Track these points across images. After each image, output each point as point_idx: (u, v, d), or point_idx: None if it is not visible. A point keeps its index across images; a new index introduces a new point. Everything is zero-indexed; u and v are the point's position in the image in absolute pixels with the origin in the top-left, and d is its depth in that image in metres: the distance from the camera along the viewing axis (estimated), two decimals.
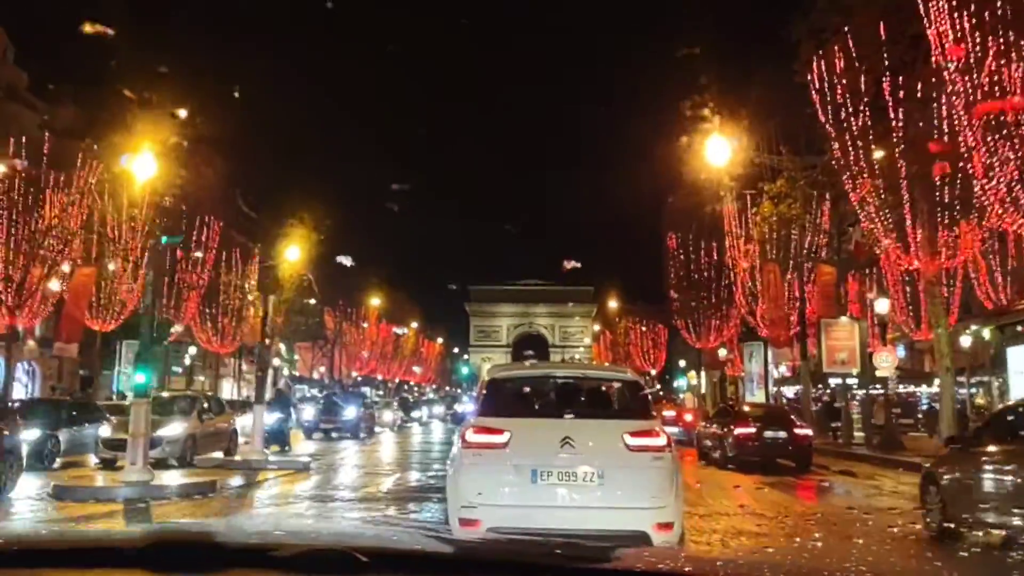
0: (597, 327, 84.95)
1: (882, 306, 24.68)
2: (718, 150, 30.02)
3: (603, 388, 8.11)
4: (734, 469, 17.71)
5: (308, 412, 34.23)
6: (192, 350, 43.60)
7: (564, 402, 7.37)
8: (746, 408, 21.25)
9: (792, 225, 30.14)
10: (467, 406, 57.86)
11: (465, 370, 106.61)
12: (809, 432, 18.56)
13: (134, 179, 31.12)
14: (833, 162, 22.93)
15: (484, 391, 7.42)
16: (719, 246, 39.45)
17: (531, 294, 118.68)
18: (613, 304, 68.70)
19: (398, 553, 1.87)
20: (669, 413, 26.45)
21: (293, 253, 48.57)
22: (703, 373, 52.45)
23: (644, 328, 65.76)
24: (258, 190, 52.40)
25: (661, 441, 6.76)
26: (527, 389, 7.86)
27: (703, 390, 53.78)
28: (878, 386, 25.94)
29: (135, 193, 31.84)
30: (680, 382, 64.81)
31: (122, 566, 1.77)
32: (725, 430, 18.61)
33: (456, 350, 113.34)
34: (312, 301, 63.04)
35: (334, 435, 31.52)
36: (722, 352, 43.18)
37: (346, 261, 47.81)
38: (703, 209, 37.85)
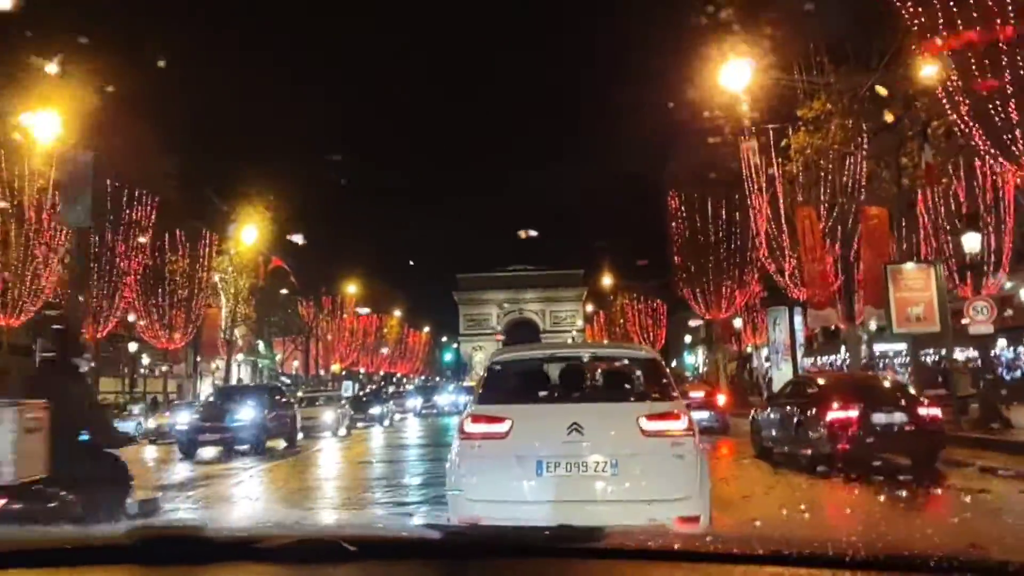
0: (591, 307, 78.55)
1: (972, 242, 18.39)
2: (736, 72, 23.85)
3: (616, 368, 7.21)
4: (826, 473, 11.28)
5: (183, 417, 24.29)
6: (133, 346, 36.88)
7: (572, 385, 6.52)
8: (835, 380, 14.61)
9: (831, 158, 23.74)
10: (451, 397, 52.00)
11: (448, 356, 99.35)
12: (938, 412, 12.03)
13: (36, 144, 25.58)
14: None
15: (484, 376, 6.75)
16: (732, 199, 33.22)
17: (520, 280, 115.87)
18: (607, 281, 62.32)
19: (385, 540, 1.87)
20: (696, 394, 20.04)
21: (249, 234, 42.84)
22: (706, 349, 46.19)
23: (641, 305, 59.53)
24: (214, 173, 45.57)
25: (682, 424, 5.86)
26: (531, 372, 6.77)
27: (706, 367, 47.53)
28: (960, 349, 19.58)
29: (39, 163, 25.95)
30: (689, 359, 58.34)
31: (110, 563, 1.76)
32: (807, 415, 12.17)
33: (445, 339, 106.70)
34: (284, 291, 57.46)
35: (222, 450, 21.03)
36: (737, 322, 36.76)
37: (298, 239, 41.12)
38: (712, 158, 31.55)
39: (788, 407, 13.00)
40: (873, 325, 27.10)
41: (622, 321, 63.85)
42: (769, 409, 14.22)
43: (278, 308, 56.21)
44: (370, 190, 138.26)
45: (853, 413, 11.55)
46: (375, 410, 37.22)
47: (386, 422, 36.49)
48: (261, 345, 61.53)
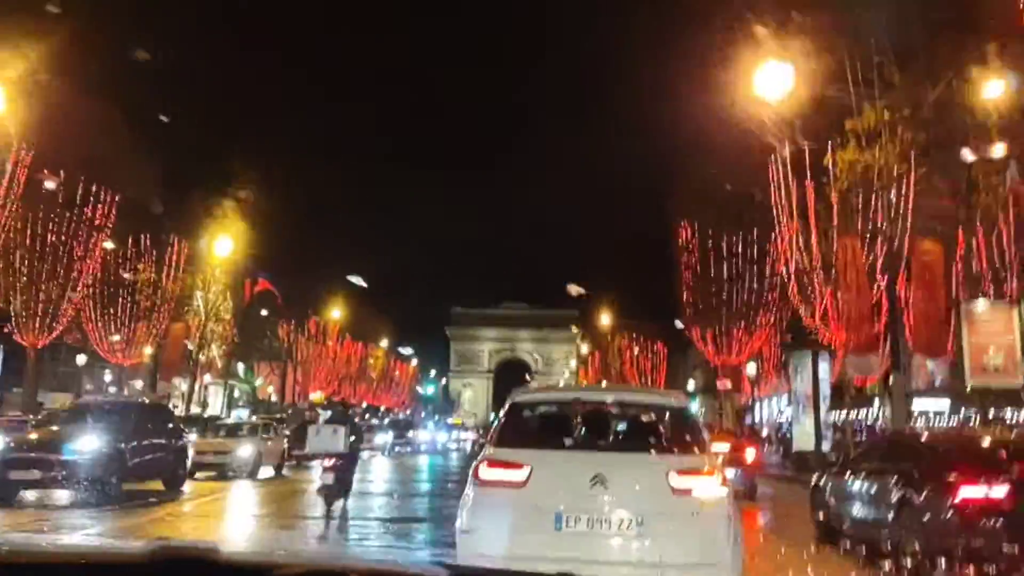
0: (586, 348, 74.38)
1: None
2: (773, 78, 20.29)
3: (644, 416, 6.46)
4: None
5: None
6: (81, 359, 32.67)
7: (597, 432, 6.08)
8: (951, 441, 10.27)
9: (885, 179, 20.00)
10: (430, 434, 47.82)
11: (431, 389, 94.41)
12: None
13: None
14: None
15: (503, 416, 6.22)
16: (750, 229, 29.52)
17: (514, 319, 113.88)
18: (605, 321, 58.39)
19: (392, 575, 1.91)
20: (720, 447, 15.93)
21: (223, 246, 38.86)
22: (708, 396, 42.07)
23: (638, 349, 55.54)
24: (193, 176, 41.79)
25: (715, 482, 5.39)
26: (554, 415, 6.42)
27: (704, 418, 43.19)
28: None
29: None
30: (692, 406, 53.96)
31: None
32: (922, 490, 8.09)
33: (433, 373, 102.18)
34: (264, 312, 53.56)
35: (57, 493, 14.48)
36: (750, 369, 32.66)
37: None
38: (729, 183, 27.92)
39: (885, 476, 8.89)
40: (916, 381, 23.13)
41: (618, 364, 59.89)
42: (848, 476, 10.08)
43: (263, 332, 52.36)
44: (362, 209, 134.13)
45: (999, 492, 7.51)
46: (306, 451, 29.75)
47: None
48: (241, 368, 57.29)
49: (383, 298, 72.98)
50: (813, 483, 11.27)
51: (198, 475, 19.58)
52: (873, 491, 9.16)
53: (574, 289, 44.36)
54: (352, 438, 13.74)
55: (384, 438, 41.27)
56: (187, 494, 16.20)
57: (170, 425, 17.67)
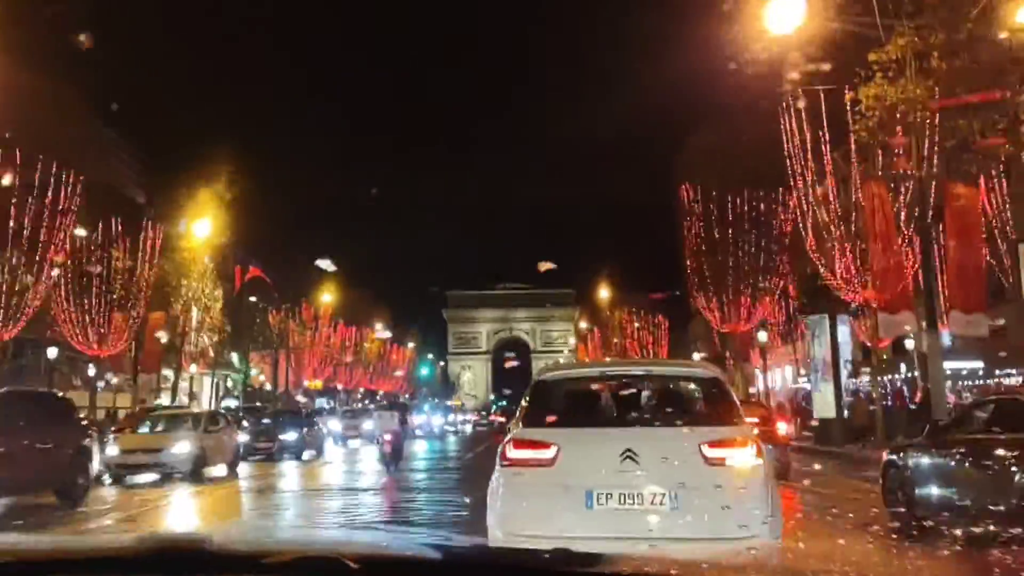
0: (584, 324, 72.35)
1: None
2: (783, 12, 18.03)
3: (675, 388, 6.32)
4: None
5: None
6: (53, 352, 30.44)
7: (626, 406, 5.90)
8: None
9: (917, 114, 17.76)
10: (425, 417, 45.59)
11: (424, 371, 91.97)
12: None
13: None
14: None
15: (528, 395, 5.99)
16: (761, 183, 27.41)
17: (510, 299, 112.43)
18: (604, 295, 56.25)
19: (386, 558, 1.84)
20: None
21: (202, 228, 36.59)
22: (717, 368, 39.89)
23: (638, 324, 53.46)
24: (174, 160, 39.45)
25: (750, 452, 5.15)
26: (580, 392, 6.19)
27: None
28: None
29: None
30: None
31: (117, 572, 1.75)
32: None
33: (431, 357, 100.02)
34: (252, 298, 51.47)
35: None
36: (761, 335, 30.48)
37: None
38: (737, 134, 25.81)
39: (999, 450, 6.75)
40: (946, 338, 21.03)
41: (616, 340, 57.93)
42: (939, 450, 7.88)
43: (254, 320, 50.31)
44: (360, 199, 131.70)
45: None
46: (288, 436, 24.55)
47: (309, 454, 25.52)
48: (236, 358, 55.14)
49: (378, 282, 71.21)
50: (887, 458, 9.04)
51: (134, 479, 16.63)
52: (983, 468, 7.01)
53: (544, 265, 43.12)
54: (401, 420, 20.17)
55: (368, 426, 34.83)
56: (85, 509, 12.40)
57: (66, 420, 13.70)
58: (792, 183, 21.44)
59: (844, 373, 24.45)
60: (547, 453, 5.21)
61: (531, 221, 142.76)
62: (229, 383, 56.27)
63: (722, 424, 5.46)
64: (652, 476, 5.05)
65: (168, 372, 38.41)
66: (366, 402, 61.32)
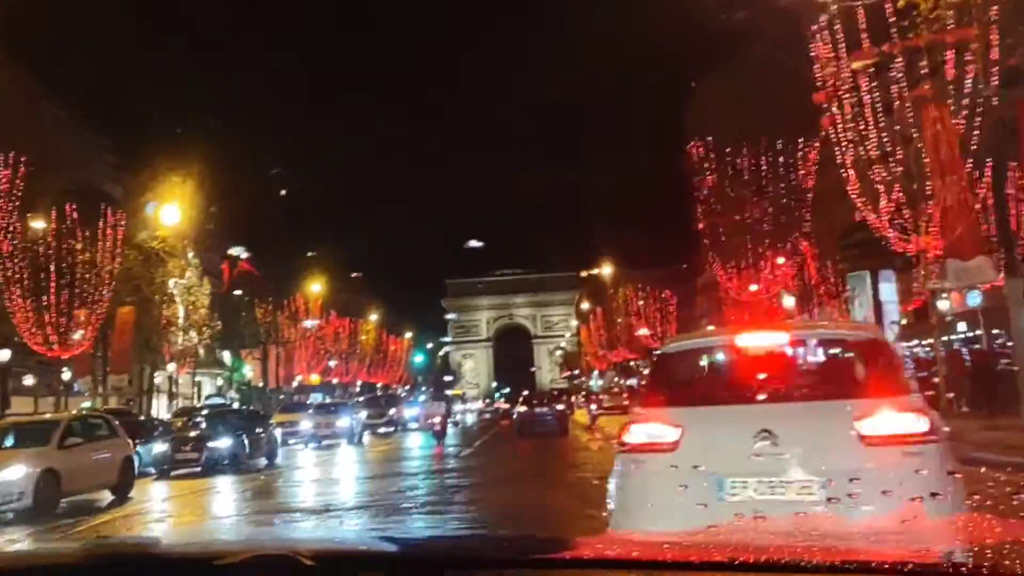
0: (586, 305, 69.22)
1: None
2: None
3: (823, 355, 5.40)
4: None
5: None
6: (5, 353, 27.20)
7: (763, 379, 4.94)
8: None
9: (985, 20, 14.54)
10: (418, 409, 41.74)
11: (420, 358, 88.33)
12: None
13: None
14: None
15: (649, 371, 5.81)
16: (780, 131, 24.20)
17: (510, 284, 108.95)
18: (607, 271, 53.12)
19: (342, 554, 1.82)
20: None
21: (170, 214, 33.37)
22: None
23: (642, 301, 50.27)
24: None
25: (922, 426, 4.18)
26: (708, 364, 5.53)
27: None
28: None
29: None
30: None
31: None
32: None
33: (430, 346, 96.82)
34: (238, 292, 48.38)
35: None
36: (787, 301, 27.21)
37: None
38: (753, 74, 22.65)
39: None
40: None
41: (619, 320, 54.87)
42: None
43: (241, 315, 47.22)
44: (350, 188, 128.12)
45: None
46: (219, 443, 18.66)
47: (264, 460, 20.49)
48: (227, 356, 52.01)
49: (374, 273, 67.97)
50: None
51: None
52: None
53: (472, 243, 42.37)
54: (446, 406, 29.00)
55: (345, 422, 30.13)
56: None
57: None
58: (829, 114, 18.19)
59: (890, 336, 21.22)
60: (671, 435, 4.57)
61: (531, 201, 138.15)
62: (219, 382, 53.18)
63: (883, 396, 4.44)
64: (796, 460, 4.26)
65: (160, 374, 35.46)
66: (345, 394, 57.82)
